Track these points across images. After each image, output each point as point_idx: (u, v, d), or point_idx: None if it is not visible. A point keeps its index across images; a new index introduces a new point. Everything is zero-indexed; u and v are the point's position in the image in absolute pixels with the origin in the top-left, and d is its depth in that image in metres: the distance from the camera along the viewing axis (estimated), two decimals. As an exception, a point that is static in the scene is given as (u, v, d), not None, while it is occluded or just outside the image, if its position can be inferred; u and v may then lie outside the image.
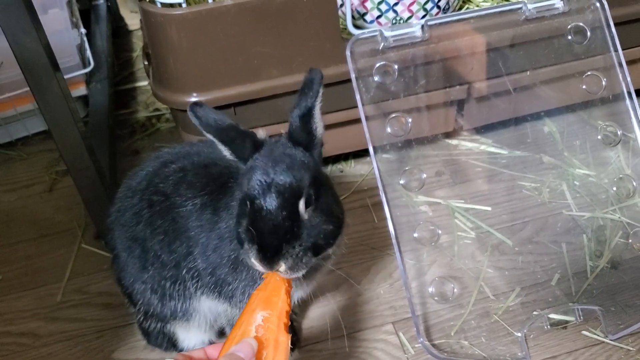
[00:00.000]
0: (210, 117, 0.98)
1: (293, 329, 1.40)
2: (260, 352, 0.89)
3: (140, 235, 1.19)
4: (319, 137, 1.01)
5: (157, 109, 2.13)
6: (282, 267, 0.93)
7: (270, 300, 0.93)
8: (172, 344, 1.34)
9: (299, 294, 1.17)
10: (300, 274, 0.96)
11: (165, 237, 1.17)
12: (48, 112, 1.37)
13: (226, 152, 1.01)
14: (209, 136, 0.99)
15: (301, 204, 0.94)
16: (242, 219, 0.96)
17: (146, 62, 1.65)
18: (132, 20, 2.56)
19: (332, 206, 1.02)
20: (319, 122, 1.00)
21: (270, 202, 0.92)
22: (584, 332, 1.40)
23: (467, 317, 1.43)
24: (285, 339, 0.91)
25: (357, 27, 1.52)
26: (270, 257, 0.92)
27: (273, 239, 0.92)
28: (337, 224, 1.01)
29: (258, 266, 0.94)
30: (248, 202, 0.95)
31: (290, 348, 1.35)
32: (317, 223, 0.97)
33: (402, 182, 1.46)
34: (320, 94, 0.97)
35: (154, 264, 1.19)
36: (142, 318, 1.29)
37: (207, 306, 1.24)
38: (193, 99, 1.47)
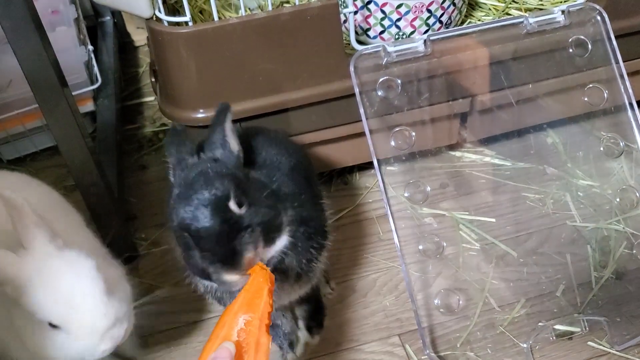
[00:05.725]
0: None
1: (321, 308, 1.41)
2: (241, 356, 0.92)
3: None
4: (236, 152, 1.06)
5: (163, 124, 2.15)
6: (249, 254, 0.96)
7: (252, 302, 0.95)
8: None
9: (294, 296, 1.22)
10: (276, 245, 1.03)
11: None
12: (56, 128, 1.38)
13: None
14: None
15: (232, 204, 0.96)
16: (190, 250, 0.98)
17: (153, 79, 1.67)
18: (139, 36, 2.58)
19: (269, 202, 1.04)
20: (231, 140, 1.05)
21: (204, 220, 0.95)
22: (590, 343, 1.40)
23: (472, 329, 1.44)
24: (266, 341, 0.94)
25: (360, 42, 1.54)
26: (233, 261, 0.95)
27: (224, 246, 0.94)
28: (277, 213, 1.04)
29: (233, 277, 0.96)
30: (186, 233, 0.97)
31: (314, 331, 1.37)
32: (257, 209, 0.99)
33: (406, 194, 1.48)
34: (229, 118, 1.06)
35: None
36: None
37: None
38: (200, 115, 1.49)
